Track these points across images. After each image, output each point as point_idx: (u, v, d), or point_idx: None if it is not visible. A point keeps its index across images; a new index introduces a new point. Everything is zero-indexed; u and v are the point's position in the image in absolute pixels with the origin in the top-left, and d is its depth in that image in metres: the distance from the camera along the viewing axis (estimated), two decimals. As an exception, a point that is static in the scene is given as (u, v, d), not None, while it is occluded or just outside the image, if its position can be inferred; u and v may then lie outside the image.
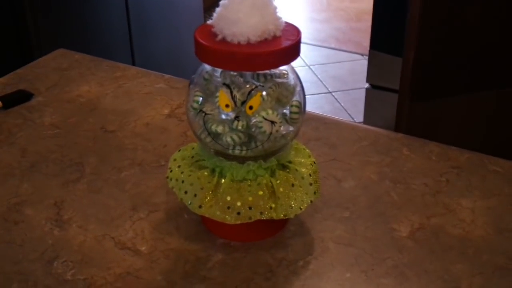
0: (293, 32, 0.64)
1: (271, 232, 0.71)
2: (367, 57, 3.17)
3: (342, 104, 2.90)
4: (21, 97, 0.97)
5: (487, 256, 0.68)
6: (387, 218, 0.74)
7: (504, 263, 0.67)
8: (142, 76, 1.05)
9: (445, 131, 1.44)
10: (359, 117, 2.74)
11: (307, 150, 0.72)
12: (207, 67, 0.66)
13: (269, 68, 0.62)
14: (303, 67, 3.27)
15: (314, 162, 0.71)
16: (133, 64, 2.29)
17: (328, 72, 3.23)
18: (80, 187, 0.79)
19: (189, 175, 0.68)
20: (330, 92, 3.00)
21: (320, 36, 3.72)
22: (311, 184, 0.68)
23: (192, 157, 0.71)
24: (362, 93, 2.63)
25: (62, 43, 1.22)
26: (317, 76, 3.12)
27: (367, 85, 2.47)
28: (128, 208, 0.75)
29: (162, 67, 2.45)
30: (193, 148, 0.72)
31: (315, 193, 0.69)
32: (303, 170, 0.69)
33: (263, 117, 0.62)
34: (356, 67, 3.25)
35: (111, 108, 0.96)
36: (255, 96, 0.62)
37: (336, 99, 2.94)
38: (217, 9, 0.63)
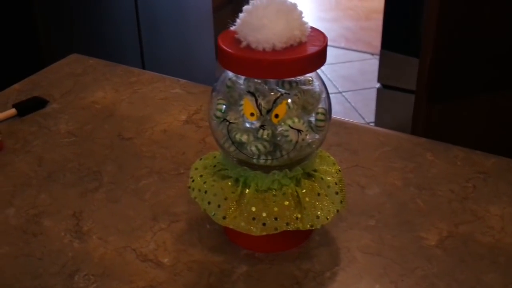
0: (319, 37, 0.62)
1: (295, 242, 0.69)
2: (377, 57, 3.15)
3: (353, 104, 2.88)
4: (36, 104, 0.96)
5: (519, 265, 0.67)
6: (414, 226, 0.72)
7: (537, 273, 0.66)
8: (157, 81, 1.04)
9: (462, 132, 1.42)
10: (370, 117, 2.72)
11: (331, 158, 0.71)
12: (230, 74, 0.64)
13: (295, 76, 0.60)
14: (313, 67, 3.25)
15: (339, 170, 0.69)
16: (143, 67, 2.28)
17: (338, 72, 3.21)
18: (98, 197, 0.77)
19: (212, 185, 0.66)
20: (340, 92, 2.98)
21: (329, 35, 3.66)
22: (337, 193, 0.67)
23: (214, 166, 0.69)
24: (373, 93, 2.62)
25: (72, 47, 1.21)
26: (326, 76, 3.10)
27: (378, 85, 2.45)
28: (148, 218, 0.74)
29: (172, 69, 2.44)
30: (214, 157, 0.71)
31: (341, 202, 0.67)
32: (329, 178, 0.67)
33: (289, 126, 0.61)
34: (366, 66, 3.23)
35: (127, 114, 0.95)
36: (281, 104, 0.60)
37: (346, 99, 2.92)
38: (241, 15, 0.61)
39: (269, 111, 0.60)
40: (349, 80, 3.10)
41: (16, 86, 1.03)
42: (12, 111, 0.93)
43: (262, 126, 0.61)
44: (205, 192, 0.66)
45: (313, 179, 0.66)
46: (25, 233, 0.72)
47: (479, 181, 0.79)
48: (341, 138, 0.88)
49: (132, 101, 0.98)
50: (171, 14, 2.38)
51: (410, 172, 0.81)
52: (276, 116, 0.60)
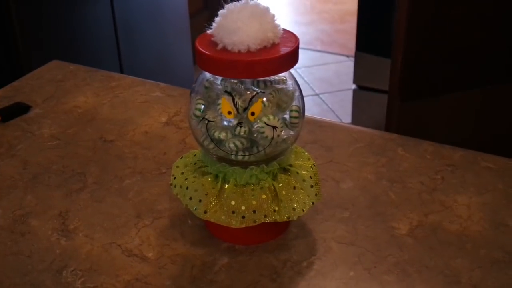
0: (291, 39, 0.66)
1: (274, 234, 0.73)
2: (352, 59, 3.20)
3: (330, 106, 2.92)
4: (19, 109, 0.98)
5: (484, 251, 0.70)
6: (386, 217, 0.76)
7: (501, 257, 0.69)
8: (138, 85, 1.07)
9: (434, 129, 1.46)
10: (347, 118, 2.77)
11: (306, 153, 0.74)
12: (208, 75, 0.67)
13: (269, 75, 0.64)
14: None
15: (314, 165, 0.73)
16: (121, 72, 2.30)
17: (314, 74, 3.26)
18: (83, 197, 0.80)
19: (193, 182, 0.69)
20: (317, 94, 3.02)
21: (305, 38, 3.74)
22: (312, 186, 0.70)
23: (195, 163, 0.72)
24: (349, 95, 2.66)
25: (50, 54, 1.23)
26: (303, 78, 3.14)
27: (354, 86, 2.50)
28: (132, 216, 0.76)
29: (151, 74, 2.46)
30: (195, 155, 0.74)
31: (316, 195, 0.70)
32: (304, 173, 0.70)
33: (265, 123, 0.64)
34: (342, 68, 3.28)
35: (109, 117, 0.97)
36: (256, 102, 0.64)
37: (323, 101, 2.97)
38: (216, 19, 0.65)
39: (245, 109, 0.64)
40: (325, 82, 3.15)
41: (-2, 92, 1.05)
42: (-4, 116, 0.96)
43: (239, 124, 0.64)
44: (187, 188, 0.69)
45: (289, 173, 0.70)
46: (13, 233, 0.74)
47: (447, 173, 0.83)
48: (316, 136, 0.92)
49: (113, 104, 1.01)
50: (148, 20, 2.41)
51: (382, 166, 0.85)
52: (252, 114, 0.64)
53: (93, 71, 1.11)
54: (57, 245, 0.72)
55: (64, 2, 1.94)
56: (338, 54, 3.45)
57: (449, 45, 1.37)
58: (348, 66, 3.25)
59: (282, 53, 0.63)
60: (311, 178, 0.71)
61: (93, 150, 0.89)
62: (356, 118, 2.54)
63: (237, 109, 0.64)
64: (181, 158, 0.75)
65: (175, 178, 0.72)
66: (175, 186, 0.71)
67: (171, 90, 1.05)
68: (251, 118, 0.64)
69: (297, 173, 0.70)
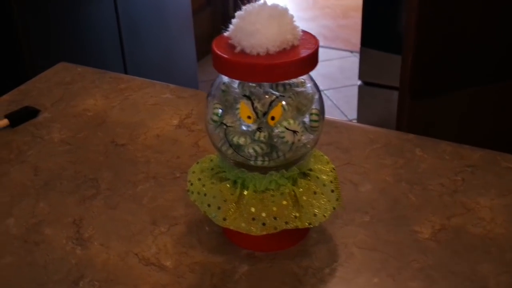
0: (310, 40, 0.64)
1: (294, 240, 0.71)
2: (356, 54, 3.19)
3: (335, 102, 2.90)
4: (27, 114, 0.96)
5: (510, 255, 0.69)
6: (407, 221, 0.74)
7: (528, 261, 0.68)
8: (147, 86, 1.05)
9: (445, 127, 1.44)
10: (352, 114, 2.75)
11: (325, 157, 0.72)
12: (224, 78, 0.66)
13: (289, 78, 0.62)
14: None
15: (334, 169, 0.71)
16: (125, 72, 2.28)
17: (318, 70, 3.18)
18: (97, 204, 0.78)
19: (211, 188, 0.67)
20: (322, 91, 2.99)
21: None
22: (332, 191, 0.68)
23: (212, 169, 0.70)
24: (354, 90, 2.64)
25: (54, 56, 1.21)
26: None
27: (359, 82, 2.48)
28: (148, 223, 0.75)
29: (155, 73, 2.45)
30: (211, 160, 0.72)
31: (337, 199, 0.69)
32: (324, 177, 0.69)
33: (285, 127, 0.62)
34: (346, 64, 3.27)
35: (119, 121, 0.96)
36: (276, 106, 0.62)
37: (328, 97, 2.95)
38: (234, 21, 0.63)
39: (265, 113, 0.62)
40: (329, 78, 3.13)
41: (5, 96, 1.04)
42: (5, 121, 0.94)
43: (259, 129, 0.62)
44: (205, 195, 0.68)
45: (309, 178, 0.68)
46: (26, 242, 0.72)
47: (468, 174, 0.82)
48: (332, 137, 0.90)
49: (123, 107, 0.99)
50: (151, 17, 2.39)
51: (401, 168, 0.83)
52: (272, 118, 0.62)
53: (101, 73, 1.09)
54: (72, 254, 0.70)
55: (66, 2, 1.92)
56: (342, 49, 3.43)
57: (460, 41, 1.35)
58: (352, 61, 3.23)
59: (302, 56, 0.61)
60: (331, 182, 0.69)
61: (104, 155, 0.88)
62: (362, 114, 2.52)
63: (256, 113, 0.62)
64: (197, 163, 0.73)
65: (192, 184, 0.70)
66: (192, 193, 0.70)
67: (181, 91, 1.03)
68: (271, 122, 0.62)
69: (317, 177, 0.68)
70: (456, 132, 1.43)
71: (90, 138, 0.92)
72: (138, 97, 1.02)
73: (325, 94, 2.97)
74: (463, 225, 0.73)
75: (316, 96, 0.66)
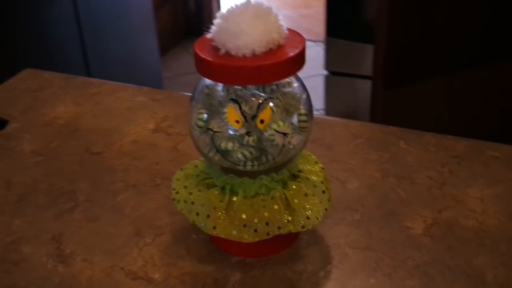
0: (296, 38, 0.62)
1: (285, 244, 0.69)
2: (319, 44, 3.18)
3: (301, 93, 2.88)
4: (-5, 125, 0.92)
5: (505, 246, 0.68)
6: (398, 217, 0.73)
7: (523, 251, 0.67)
8: (119, 90, 1.02)
9: (419, 115, 1.44)
10: (319, 104, 2.74)
11: (312, 156, 0.70)
12: (207, 81, 0.63)
13: (278, 79, 0.60)
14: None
15: (323, 168, 0.69)
16: (88, 71, 2.23)
17: (282, 61, 3.20)
18: (76, 217, 0.75)
19: (198, 195, 0.65)
20: (287, 82, 2.98)
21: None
22: (324, 192, 0.66)
23: (197, 175, 0.68)
24: (319, 80, 2.63)
25: (14, 59, 1.16)
26: (271, 66, 3.10)
27: (325, 72, 2.47)
28: (132, 234, 0.72)
29: (118, 71, 2.40)
30: (196, 166, 0.69)
31: (328, 200, 0.67)
32: (314, 178, 0.67)
33: (275, 130, 0.60)
34: (310, 54, 3.23)
35: (93, 128, 0.92)
36: (265, 109, 0.60)
37: (294, 88, 2.92)
38: (216, 22, 0.60)
39: (253, 117, 0.60)
40: (294, 69, 3.11)
41: (-30, 107, 0.99)
42: (-29, 134, 0.90)
43: (248, 133, 0.60)
44: (192, 203, 0.65)
45: (299, 180, 0.66)
46: (4, 262, 0.69)
47: (454, 166, 0.81)
48: (314, 134, 0.87)
49: (96, 113, 0.96)
50: (112, 16, 2.34)
51: (387, 162, 0.82)
52: (262, 121, 0.60)
53: (70, 78, 1.05)
54: (54, 272, 0.67)
55: (24, 4, 1.86)
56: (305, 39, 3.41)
57: (431, 29, 1.34)
58: (316, 51, 3.22)
59: (290, 56, 0.58)
60: (322, 183, 0.67)
61: (80, 165, 0.84)
62: (330, 104, 2.51)
63: (245, 117, 0.60)
64: (181, 169, 0.70)
65: (177, 192, 0.67)
66: (178, 202, 0.67)
67: (155, 94, 1.00)
68: (260, 126, 0.60)
69: (308, 179, 0.66)
70: (430, 121, 1.43)
71: (64, 147, 0.88)
72: (111, 101, 0.99)
73: (291, 86, 2.95)
74: (455, 218, 0.72)
75: (304, 96, 0.64)
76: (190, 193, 0.66)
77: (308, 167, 0.68)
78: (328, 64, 2.45)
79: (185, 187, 0.67)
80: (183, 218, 0.72)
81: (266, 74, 0.58)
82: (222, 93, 0.62)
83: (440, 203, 0.74)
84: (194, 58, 0.60)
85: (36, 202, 0.78)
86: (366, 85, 2.34)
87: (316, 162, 0.70)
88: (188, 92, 1.03)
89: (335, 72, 2.45)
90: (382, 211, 0.74)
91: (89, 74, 2.24)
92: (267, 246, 0.67)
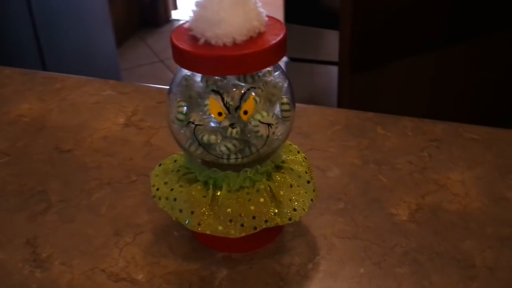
0: (276, 25, 0.60)
1: (270, 238, 0.67)
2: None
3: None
4: (-44, 125, 0.88)
5: (490, 228, 0.68)
6: (382, 204, 0.72)
7: (509, 233, 0.67)
8: (84, 84, 0.98)
9: (387, 98, 1.44)
10: (280, 91, 2.72)
11: (294, 146, 0.69)
12: (185, 72, 0.61)
13: (261, 68, 0.58)
14: (215, 47, 3.21)
15: (305, 158, 0.68)
16: (43, 65, 2.17)
17: (241, 49, 3.18)
18: (50, 219, 0.72)
19: (181, 192, 0.63)
20: (246, 70, 2.96)
21: (225, 13, 3.66)
22: (308, 182, 0.65)
23: (178, 170, 0.65)
24: (280, 67, 2.61)
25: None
26: (230, 55, 3.07)
27: (285, 58, 2.46)
28: (110, 234, 0.69)
29: (74, 64, 2.34)
30: (175, 161, 0.67)
31: (314, 190, 0.65)
32: (298, 168, 0.65)
33: (259, 121, 0.58)
34: (269, 41, 3.22)
35: (60, 124, 0.89)
36: (248, 99, 0.58)
37: (254, 76, 2.91)
38: (194, 10, 0.58)
39: (237, 108, 0.58)
40: (253, 57, 3.09)
41: None
42: None
43: (231, 125, 0.58)
44: (174, 199, 0.63)
45: (283, 171, 0.65)
46: (-23, 270, 0.65)
47: (433, 149, 0.80)
48: (290, 123, 0.86)
49: (62, 109, 0.92)
50: (66, 9, 2.28)
51: (366, 148, 0.81)
52: (245, 112, 0.58)
53: (32, 74, 1.01)
54: (31, 278, 0.64)
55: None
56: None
57: (396, 12, 1.34)
58: (274, 38, 3.20)
59: (272, 43, 0.56)
60: (306, 173, 0.65)
61: (50, 163, 0.81)
62: (291, 91, 2.50)
63: (228, 109, 0.57)
64: (160, 165, 0.68)
65: (158, 189, 0.65)
66: (159, 199, 0.64)
67: (122, 87, 0.97)
68: (244, 117, 0.58)
69: (292, 169, 0.65)
70: (397, 103, 1.43)
71: (31, 146, 0.84)
72: (77, 96, 0.95)
73: (251, 73, 2.93)
74: (439, 202, 0.71)
75: (286, 84, 0.62)
76: (172, 189, 0.63)
77: (291, 157, 0.67)
78: (288, 50, 2.43)
79: (165, 183, 0.65)
80: (163, 215, 0.70)
81: (249, 63, 0.56)
82: (200, 84, 0.60)
83: (423, 188, 0.74)
84: (172, 49, 0.58)
85: (6, 204, 0.74)
86: (327, 70, 2.34)
87: (298, 152, 0.68)
88: (148, 83, 1.01)
89: (295, 58, 2.44)
90: (365, 198, 0.73)
91: (44, 69, 2.18)
92: (252, 240, 0.65)
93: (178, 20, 3.63)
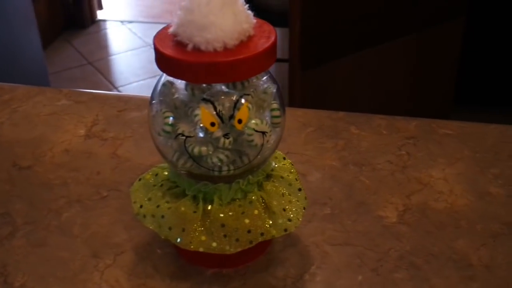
0: (264, 27, 0.57)
1: (260, 249, 0.64)
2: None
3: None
4: None
5: (480, 225, 0.67)
6: (369, 206, 0.70)
7: (499, 229, 0.66)
8: (36, 94, 0.92)
9: (337, 93, 1.43)
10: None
11: (278, 152, 0.66)
12: (169, 80, 0.57)
13: (255, 74, 0.54)
14: (145, 47, 3.15)
15: (292, 164, 0.65)
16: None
17: (172, 48, 3.12)
18: (18, 243, 0.66)
19: (169, 208, 0.59)
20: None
21: (153, 12, 3.59)
22: (300, 190, 0.62)
23: (161, 185, 0.61)
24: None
25: None
26: (161, 54, 3.00)
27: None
28: (88, 257, 0.64)
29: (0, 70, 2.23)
30: (156, 175, 0.63)
31: (305, 198, 0.63)
32: (288, 176, 0.62)
33: (254, 129, 0.55)
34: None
35: (15, 139, 0.82)
36: (242, 107, 0.54)
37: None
38: (179, 14, 0.54)
39: (230, 117, 0.54)
40: (185, 55, 3.03)
41: None
42: None
43: (225, 135, 0.54)
44: (162, 217, 0.59)
45: (273, 179, 0.62)
46: None
47: (410, 147, 0.79)
48: (261, 126, 0.83)
49: (14, 122, 0.85)
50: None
51: (343, 150, 0.79)
52: (240, 121, 0.54)
53: (-25, 85, 0.94)
54: (7, 311, 0.59)
55: None
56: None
57: (344, 7, 1.33)
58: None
59: (266, 47, 0.53)
60: (296, 180, 0.63)
61: (10, 182, 0.75)
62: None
63: (221, 118, 0.54)
64: (139, 180, 0.64)
65: (141, 206, 0.61)
66: (144, 217, 0.60)
67: (77, 95, 0.91)
68: (238, 126, 0.54)
69: (282, 177, 0.62)
70: (347, 98, 1.42)
71: (-15, 164, 0.78)
72: (29, 107, 0.89)
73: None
74: (425, 201, 0.70)
75: (274, 89, 0.59)
76: (158, 206, 0.59)
77: (279, 164, 0.64)
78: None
79: (149, 199, 0.61)
80: (142, 232, 0.66)
81: (243, 69, 0.52)
82: (184, 92, 0.56)
83: (407, 187, 0.72)
84: (158, 57, 0.54)
85: (-34, 231, 0.68)
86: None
87: (284, 158, 0.65)
88: (78, 88, 0.96)
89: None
90: (351, 202, 0.71)
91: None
92: (242, 253, 0.62)
93: (104, 20, 3.53)
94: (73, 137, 0.82)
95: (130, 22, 3.50)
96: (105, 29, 3.47)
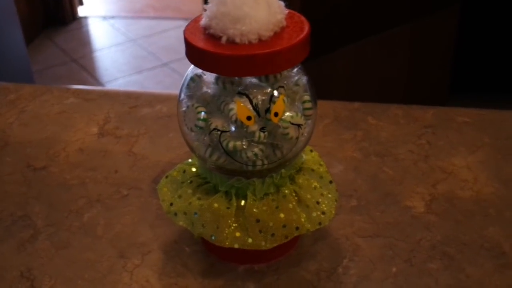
0: (294, 18, 0.56)
1: (291, 244, 0.63)
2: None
3: (182, 74, 2.80)
4: None
5: (509, 213, 0.67)
6: (395, 197, 0.69)
7: (528, 216, 0.66)
8: (43, 93, 0.90)
9: (335, 85, 1.43)
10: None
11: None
12: (193, 73, 0.55)
13: (292, 66, 0.53)
14: (128, 42, 3.11)
15: (320, 156, 0.64)
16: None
17: (157, 43, 3.10)
18: (41, 246, 0.64)
19: (201, 205, 0.57)
20: (166, 64, 2.88)
21: (135, 7, 3.55)
22: (331, 182, 0.61)
23: (190, 182, 0.60)
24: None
25: None
26: (147, 49, 2.98)
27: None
28: (115, 257, 0.63)
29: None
30: (184, 171, 0.62)
31: (336, 190, 0.62)
32: (319, 168, 0.61)
33: (290, 122, 0.54)
34: (180, 34, 3.15)
35: (27, 139, 0.80)
36: (278, 100, 0.53)
37: (174, 69, 2.84)
38: (210, 7, 0.52)
39: (266, 110, 0.53)
40: (170, 50, 3.01)
41: None
42: None
43: (262, 129, 0.53)
44: (195, 214, 0.57)
45: (303, 172, 0.61)
46: (-29, 314, 0.58)
47: (430, 136, 0.78)
48: (277, 119, 0.82)
49: (24, 122, 0.83)
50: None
51: (363, 140, 0.78)
52: (276, 114, 0.53)
53: (-21, 85, 0.92)
54: (38, 316, 0.57)
55: None
56: (175, 18, 3.32)
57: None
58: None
59: (301, 38, 0.52)
60: (327, 172, 0.62)
61: (26, 184, 0.73)
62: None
63: (257, 112, 0.53)
64: (166, 177, 0.62)
65: (171, 204, 0.59)
66: (175, 214, 0.59)
67: (85, 93, 0.89)
68: (274, 119, 0.53)
69: (312, 170, 0.61)
70: (345, 89, 1.42)
71: (-2, 166, 0.76)
72: (37, 107, 0.87)
73: (171, 68, 2.86)
74: (451, 190, 0.70)
75: (305, 81, 0.58)
76: (190, 203, 0.58)
77: (307, 157, 0.63)
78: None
79: (179, 196, 0.59)
80: (167, 230, 0.65)
81: (279, 62, 0.51)
82: (212, 86, 0.55)
83: (431, 177, 0.72)
84: (190, 51, 0.52)
85: (-14, 235, 0.66)
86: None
87: (311, 150, 0.64)
88: (63, 85, 0.94)
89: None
90: (377, 193, 0.70)
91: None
92: (274, 248, 0.61)
93: (85, 17, 3.48)
94: (86, 136, 0.80)
95: (112, 17, 3.46)
96: (87, 25, 3.42)
